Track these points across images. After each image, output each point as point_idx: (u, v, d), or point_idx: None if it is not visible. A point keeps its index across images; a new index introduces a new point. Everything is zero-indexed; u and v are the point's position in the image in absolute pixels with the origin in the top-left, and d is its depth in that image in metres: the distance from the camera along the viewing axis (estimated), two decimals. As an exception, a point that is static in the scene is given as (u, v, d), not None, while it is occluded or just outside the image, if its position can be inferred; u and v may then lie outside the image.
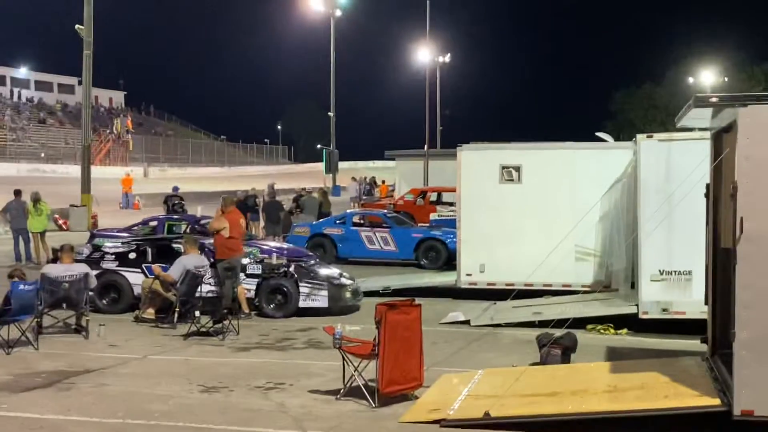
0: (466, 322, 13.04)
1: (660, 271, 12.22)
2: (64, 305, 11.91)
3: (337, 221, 22.13)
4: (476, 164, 15.37)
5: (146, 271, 13.80)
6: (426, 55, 56.43)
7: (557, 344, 9.65)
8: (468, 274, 15.17)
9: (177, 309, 12.52)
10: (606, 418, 7.39)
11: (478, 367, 9.57)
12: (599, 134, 19.72)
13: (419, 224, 23.65)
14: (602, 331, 12.37)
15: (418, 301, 8.90)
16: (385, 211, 24.58)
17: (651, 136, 12.67)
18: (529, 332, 11.35)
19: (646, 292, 12.28)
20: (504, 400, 7.81)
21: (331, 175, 49.42)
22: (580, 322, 12.03)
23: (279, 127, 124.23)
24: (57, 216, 29.16)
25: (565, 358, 9.60)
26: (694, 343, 9.87)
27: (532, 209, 14.89)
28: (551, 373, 9.00)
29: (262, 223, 24.41)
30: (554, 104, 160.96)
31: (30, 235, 20.29)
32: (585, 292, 14.01)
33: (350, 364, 8.53)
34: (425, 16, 53.83)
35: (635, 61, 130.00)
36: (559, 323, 10.40)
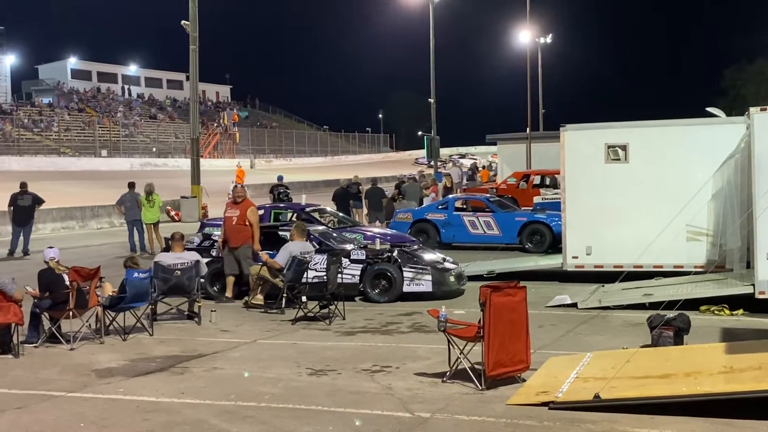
0: (573, 305, 12.81)
1: (777, 249, 11.70)
2: (177, 292, 12.29)
3: (440, 206, 22.09)
4: (581, 144, 15.04)
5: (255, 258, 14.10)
6: (527, 36, 55.55)
7: (669, 325, 9.36)
8: (574, 257, 14.89)
9: (284, 295, 12.75)
10: (721, 400, 7.12)
11: (586, 350, 9.38)
12: (710, 109, 18.98)
13: (523, 208, 23.39)
14: (716, 312, 11.93)
15: (523, 284, 8.79)
16: (488, 195, 24.38)
17: (765, 109, 12.11)
18: (639, 314, 11.05)
19: (763, 271, 11.77)
20: (614, 382, 7.62)
21: (432, 161, 49.37)
22: (693, 304, 11.65)
23: (380, 115, 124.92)
24: (169, 207, 30.15)
25: (678, 340, 9.31)
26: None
27: (640, 189, 14.48)
28: (663, 355, 8.73)
29: (365, 210, 24.61)
30: (661, 84, 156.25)
31: (144, 226, 21.04)
32: (697, 272, 13.54)
33: (455, 346, 8.50)
34: (525, -3, 52.95)
35: (746, 36, 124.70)
36: (671, 305, 10.09)
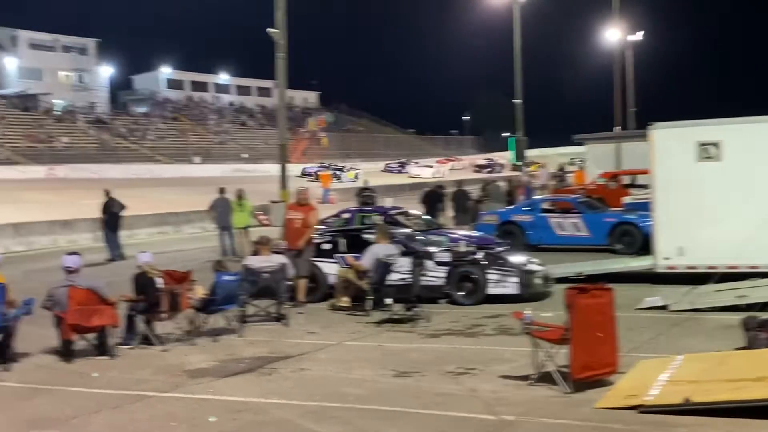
0: (664, 307, 12.50)
1: None
2: (265, 295, 12.51)
3: (526, 208, 21.86)
4: (670, 143, 14.67)
5: (340, 261, 14.24)
6: (615, 33, 54.47)
7: (765, 328, 9.05)
8: (666, 258, 14.52)
9: (370, 297, 12.83)
10: (821, 405, 6.84)
11: (677, 353, 9.14)
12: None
13: (612, 208, 22.94)
14: (816, 314, 11.46)
15: (612, 286, 8.63)
16: (576, 196, 24.00)
17: None
18: (734, 317, 10.67)
19: None
20: (706, 385, 7.42)
21: (519, 162, 48.86)
22: (791, 306, 11.22)
23: (466, 117, 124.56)
24: (258, 212, 30.68)
25: (774, 342, 8.98)
26: None
27: (734, 187, 14.03)
28: (758, 357, 8.43)
29: (450, 213, 24.56)
30: (755, 79, 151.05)
31: (234, 230, 21.49)
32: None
33: (541, 349, 8.41)
34: (613, -6, 51.99)
35: None
36: (766, 306, 9.75)
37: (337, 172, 62.53)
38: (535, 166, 53.93)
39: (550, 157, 77.85)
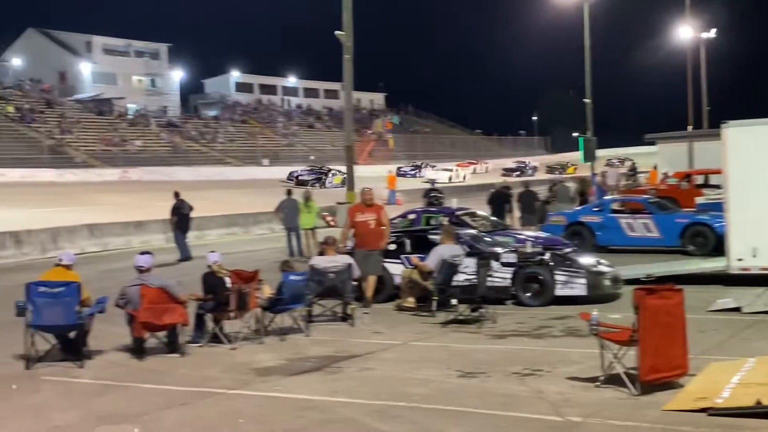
0: (737, 309, 12.20)
1: None
2: (331, 294, 12.61)
3: (595, 209, 21.57)
4: (744, 142, 14.31)
5: (405, 262, 14.27)
6: (688, 31, 53.37)
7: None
8: (739, 259, 14.18)
9: (435, 297, 12.83)
10: None
11: (749, 356, 8.93)
12: None
13: (684, 209, 22.49)
14: None
15: (683, 288, 8.46)
16: (647, 196, 23.58)
17: None
18: (810, 319, 10.42)
19: None
20: (779, 389, 7.22)
21: (589, 163, 48.20)
22: None
23: (534, 117, 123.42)
24: (325, 213, 30.93)
25: None
26: None
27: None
28: (835, 362, 8.20)
29: (517, 214, 24.37)
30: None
31: (301, 231, 21.72)
32: None
33: (608, 351, 8.30)
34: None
35: None
36: None
37: (322, 177, 58.01)
38: (572, 169, 51.34)
39: (620, 157, 76.63)
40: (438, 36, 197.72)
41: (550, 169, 75.10)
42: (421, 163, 72.25)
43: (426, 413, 7.74)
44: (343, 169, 59.72)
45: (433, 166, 70.18)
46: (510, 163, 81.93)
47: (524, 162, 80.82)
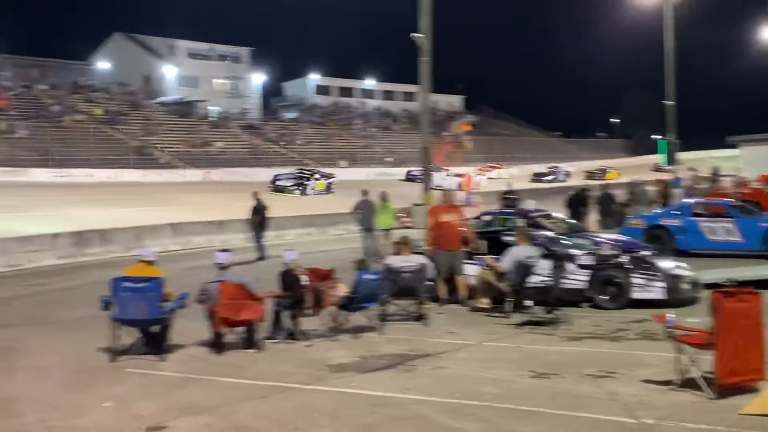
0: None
1: None
2: (405, 294, 12.71)
3: (675, 212, 21.17)
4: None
5: (480, 263, 14.28)
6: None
7: None
8: (825, 265, 13.76)
9: (510, 299, 12.81)
10: None
11: (834, 362, 8.68)
12: None
13: (768, 213, 21.87)
14: None
15: (762, 292, 8.30)
16: (729, 199, 23.02)
17: None
18: None
19: None
20: None
21: (671, 166, 47.18)
22: None
23: (615, 120, 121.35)
24: (401, 214, 31.08)
25: None
26: None
27: None
28: None
29: (596, 216, 24.09)
30: None
31: (378, 232, 21.89)
32: None
33: (685, 354, 8.19)
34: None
35: None
36: None
37: (303, 182, 51.05)
38: (614, 173, 48.01)
39: (702, 160, 74.77)
40: (517, 38, 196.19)
41: (590, 175, 71.76)
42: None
43: (497, 412, 7.77)
44: (328, 172, 57.58)
45: (447, 170, 58.45)
46: (542, 168, 76.61)
47: (556, 166, 76.52)
